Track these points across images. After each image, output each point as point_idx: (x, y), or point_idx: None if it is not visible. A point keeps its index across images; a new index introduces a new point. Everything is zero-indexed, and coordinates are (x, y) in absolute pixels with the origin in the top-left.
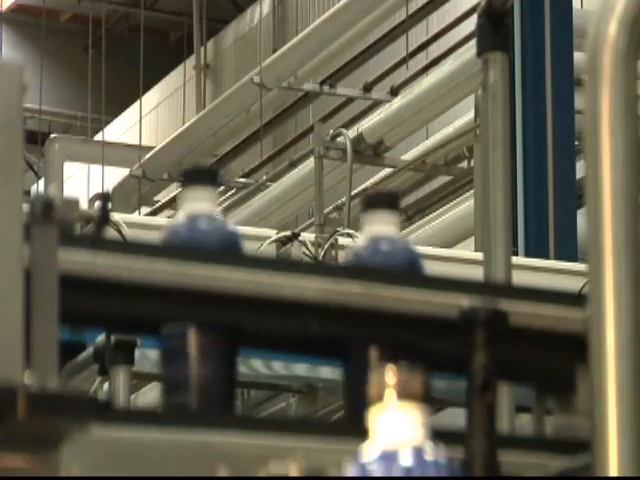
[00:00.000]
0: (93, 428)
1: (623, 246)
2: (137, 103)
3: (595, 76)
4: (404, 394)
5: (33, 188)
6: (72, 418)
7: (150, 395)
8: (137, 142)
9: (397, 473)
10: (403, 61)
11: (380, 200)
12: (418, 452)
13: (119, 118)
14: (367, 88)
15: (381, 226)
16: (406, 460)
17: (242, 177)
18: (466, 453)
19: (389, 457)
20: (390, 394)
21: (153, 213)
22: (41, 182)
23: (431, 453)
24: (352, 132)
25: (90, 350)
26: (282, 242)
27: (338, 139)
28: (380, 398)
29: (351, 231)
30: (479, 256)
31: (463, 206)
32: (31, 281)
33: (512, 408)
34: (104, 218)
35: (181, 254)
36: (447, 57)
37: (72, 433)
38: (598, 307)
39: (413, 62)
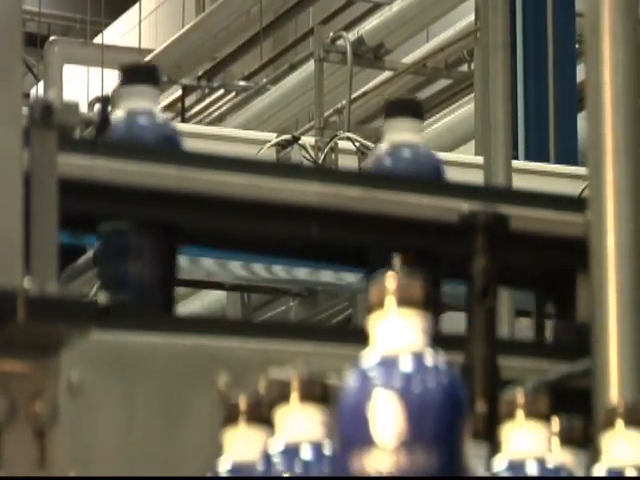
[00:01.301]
0: (93, 332)
1: (623, 149)
2: (136, 5)
3: None
4: (404, 300)
5: (32, 91)
6: (72, 322)
7: None
8: (136, 45)
9: (397, 378)
10: None
11: (402, 107)
12: (418, 357)
13: (118, 21)
14: None
15: (403, 133)
16: (406, 365)
17: (242, 80)
18: (466, 358)
19: (389, 362)
20: (390, 300)
21: None
22: (40, 85)
23: (431, 358)
24: (352, 35)
25: (90, 254)
26: (282, 146)
27: (338, 42)
28: (380, 304)
29: (351, 134)
30: (479, 160)
31: (463, 110)
32: (30, 186)
33: (512, 313)
34: (104, 121)
35: (187, 159)
36: None
37: (72, 338)
38: (598, 211)
39: None
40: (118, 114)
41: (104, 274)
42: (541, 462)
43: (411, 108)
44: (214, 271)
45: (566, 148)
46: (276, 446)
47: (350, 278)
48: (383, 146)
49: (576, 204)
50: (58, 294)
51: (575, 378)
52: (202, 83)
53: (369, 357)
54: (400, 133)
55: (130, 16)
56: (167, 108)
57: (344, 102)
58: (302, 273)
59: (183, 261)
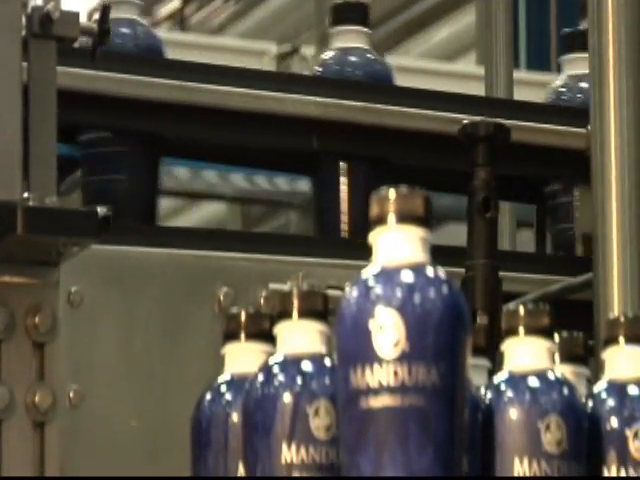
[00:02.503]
0: (93, 245)
1: (625, 60)
2: None
3: None
4: (405, 212)
5: (30, 1)
6: (71, 235)
7: None
8: None
9: (397, 290)
10: None
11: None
12: (419, 270)
13: None
14: None
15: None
16: (407, 277)
17: None
18: (467, 270)
19: (390, 275)
20: (391, 213)
21: (154, 26)
22: None
23: (433, 271)
24: None
25: None
26: (282, 57)
27: None
28: (381, 217)
29: None
30: (480, 71)
31: (464, 19)
32: (29, 97)
33: (513, 225)
34: (104, 32)
35: (185, 69)
36: None
37: (71, 250)
38: (600, 122)
39: None
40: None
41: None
42: (542, 375)
43: (357, 13)
44: (215, 183)
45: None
46: (276, 358)
47: None
48: (329, 52)
49: (578, 115)
50: (57, 206)
51: (576, 291)
52: None
53: (370, 270)
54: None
55: None
56: (169, 18)
57: None
58: (303, 185)
59: (184, 173)
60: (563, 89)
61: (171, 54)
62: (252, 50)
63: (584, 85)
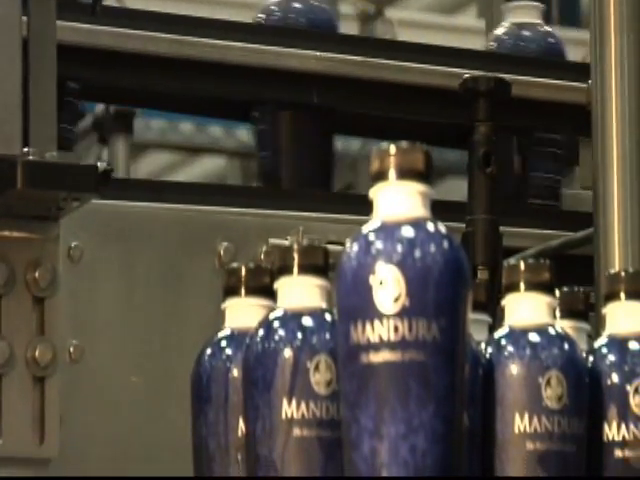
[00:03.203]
0: (93, 199)
1: (626, 14)
2: None
3: None
4: (405, 168)
5: None
6: (72, 189)
7: (149, 166)
8: None
9: (398, 245)
10: None
11: None
12: (420, 225)
13: None
14: None
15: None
16: (408, 232)
17: None
18: (467, 225)
19: (390, 230)
20: (391, 168)
21: None
22: None
23: (433, 226)
24: None
25: (89, 119)
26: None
27: None
28: (381, 173)
29: None
30: (481, 24)
31: None
32: (29, 52)
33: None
34: None
35: (183, 24)
36: None
37: (71, 204)
38: (601, 77)
39: None
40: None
41: None
42: (543, 331)
43: None
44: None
45: (569, 11)
46: (277, 313)
47: (354, 145)
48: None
49: (579, 70)
50: (57, 161)
51: (577, 246)
52: None
53: (370, 225)
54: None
55: None
56: None
57: None
58: None
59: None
60: (505, 37)
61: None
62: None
63: (526, 33)
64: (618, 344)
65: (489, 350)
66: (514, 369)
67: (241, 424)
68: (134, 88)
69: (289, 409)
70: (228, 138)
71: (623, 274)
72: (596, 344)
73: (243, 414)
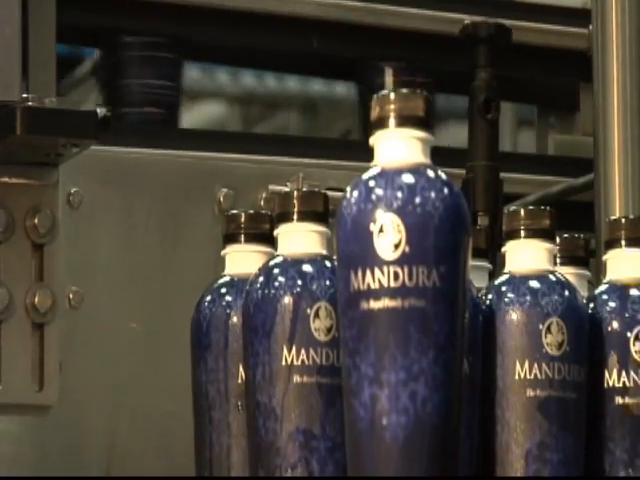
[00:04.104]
0: (93, 145)
1: None
2: None
3: None
4: (405, 114)
5: None
6: (71, 135)
7: None
8: None
9: (398, 191)
10: None
11: None
12: (420, 171)
13: None
14: None
15: None
16: (408, 178)
17: None
18: (468, 171)
19: (390, 175)
20: (391, 114)
21: None
22: None
23: (433, 172)
24: None
25: (88, 65)
26: None
27: None
28: (381, 119)
29: None
30: None
31: None
32: None
33: (514, 126)
34: None
35: None
36: None
37: (71, 150)
38: (602, 23)
39: None
40: None
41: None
42: (543, 277)
43: None
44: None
45: None
46: (276, 260)
47: (351, 91)
48: None
49: (579, 15)
50: (57, 107)
51: (578, 192)
52: None
53: (370, 172)
54: None
55: None
56: None
57: None
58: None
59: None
60: None
61: None
62: None
63: None
64: (619, 291)
65: (489, 297)
66: (514, 316)
67: (241, 371)
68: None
69: (289, 356)
70: (232, 83)
71: (624, 221)
72: (596, 291)
73: (243, 361)
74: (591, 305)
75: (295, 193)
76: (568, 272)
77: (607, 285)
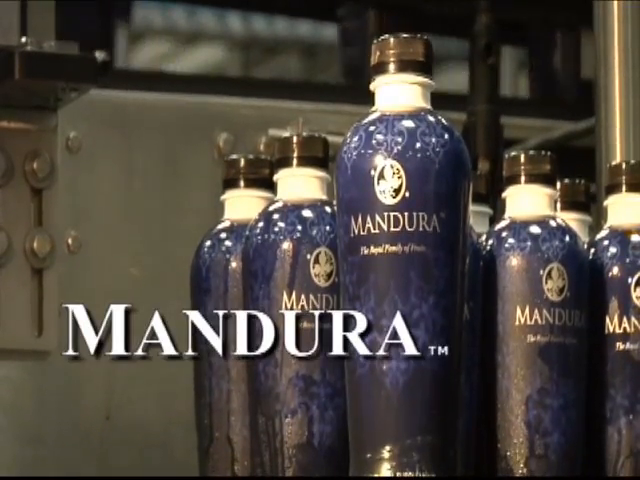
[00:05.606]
0: (91, 89)
1: None
2: None
3: None
4: (405, 59)
5: None
6: (70, 79)
7: (148, 55)
8: None
9: (398, 135)
10: None
11: None
12: (421, 115)
13: None
14: None
15: None
16: (408, 123)
17: None
18: (468, 116)
19: (390, 120)
20: (391, 59)
21: None
22: None
23: (434, 117)
24: None
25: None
26: None
27: None
28: (381, 64)
29: None
30: None
31: None
32: None
33: (515, 70)
34: None
35: None
36: None
37: (70, 95)
38: None
39: None
40: None
41: None
42: (544, 223)
43: None
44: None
45: None
46: (276, 205)
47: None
48: None
49: None
50: (55, 51)
51: (578, 137)
52: None
53: (370, 116)
54: None
55: None
56: None
57: None
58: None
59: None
60: None
61: None
62: None
63: None
64: (619, 236)
65: (490, 242)
66: (515, 261)
67: None
68: None
69: (289, 301)
70: (221, 26)
71: (624, 166)
72: (597, 236)
73: (242, 306)
74: (592, 251)
75: (295, 138)
76: (569, 217)
77: (608, 231)
